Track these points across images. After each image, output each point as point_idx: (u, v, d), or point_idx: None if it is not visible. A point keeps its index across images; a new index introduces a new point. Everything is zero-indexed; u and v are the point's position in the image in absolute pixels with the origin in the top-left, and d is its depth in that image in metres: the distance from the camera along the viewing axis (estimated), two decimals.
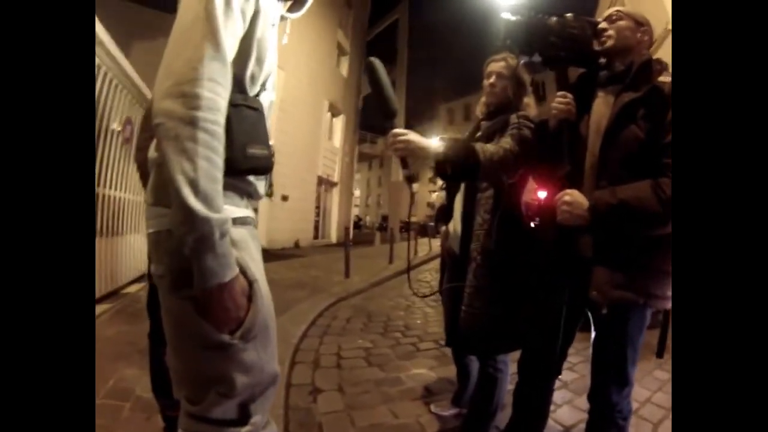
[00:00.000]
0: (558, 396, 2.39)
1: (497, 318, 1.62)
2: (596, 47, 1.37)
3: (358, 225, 32.01)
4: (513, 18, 1.34)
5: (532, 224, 1.51)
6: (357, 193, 36.51)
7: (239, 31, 0.83)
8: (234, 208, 0.88)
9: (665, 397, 2.48)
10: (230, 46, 0.79)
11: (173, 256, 0.79)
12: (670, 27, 5.96)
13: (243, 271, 0.83)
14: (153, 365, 1.75)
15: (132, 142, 4.23)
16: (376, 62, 1.38)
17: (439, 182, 1.97)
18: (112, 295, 4.21)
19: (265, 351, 0.89)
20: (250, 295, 0.85)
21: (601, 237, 1.27)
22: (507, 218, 1.63)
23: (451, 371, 2.59)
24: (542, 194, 1.41)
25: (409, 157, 1.47)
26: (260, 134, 0.90)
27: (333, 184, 17.65)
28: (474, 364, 2.08)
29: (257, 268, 0.90)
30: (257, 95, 0.94)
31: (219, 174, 0.75)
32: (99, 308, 3.67)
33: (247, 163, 0.86)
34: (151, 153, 0.90)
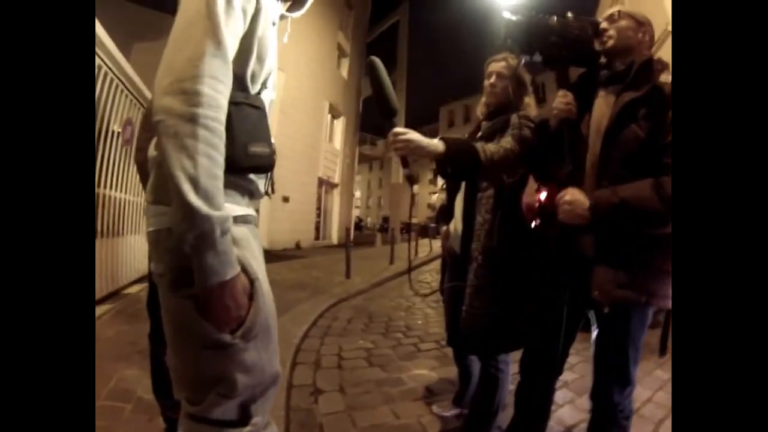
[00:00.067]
0: (559, 396, 2.39)
1: (498, 317, 1.62)
2: (597, 47, 1.37)
3: (358, 226, 32.08)
4: (514, 18, 1.34)
5: (533, 224, 1.51)
6: (357, 194, 36.56)
7: (240, 29, 0.82)
8: (235, 206, 0.88)
9: (666, 397, 2.48)
10: (231, 44, 0.79)
11: (173, 254, 0.78)
12: (670, 28, 5.97)
13: (244, 270, 0.83)
14: (153, 366, 1.75)
15: (132, 143, 4.23)
16: (377, 61, 1.38)
17: (440, 184, 1.98)
18: (113, 295, 4.21)
19: (267, 351, 0.88)
20: (252, 293, 0.84)
21: (602, 236, 1.27)
22: (508, 218, 1.62)
23: (452, 371, 2.59)
24: (543, 196, 1.40)
25: (410, 156, 1.46)
26: (262, 132, 0.90)
27: (334, 186, 17.67)
28: (475, 364, 2.08)
29: (259, 267, 0.89)
30: (258, 94, 0.94)
31: (220, 171, 0.75)
32: (99, 309, 3.68)
33: (248, 161, 0.86)
34: (151, 152, 0.90)
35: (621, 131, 1.24)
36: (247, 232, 0.91)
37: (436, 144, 1.42)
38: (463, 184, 1.84)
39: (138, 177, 4.04)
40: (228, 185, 0.80)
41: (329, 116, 16.73)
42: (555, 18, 1.34)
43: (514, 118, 1.60)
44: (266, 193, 1.03)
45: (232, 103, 0.80)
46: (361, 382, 2.65)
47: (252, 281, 0.85)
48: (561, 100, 1.36)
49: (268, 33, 0.92)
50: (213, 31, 0.75)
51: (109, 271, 4.17)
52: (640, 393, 2.44)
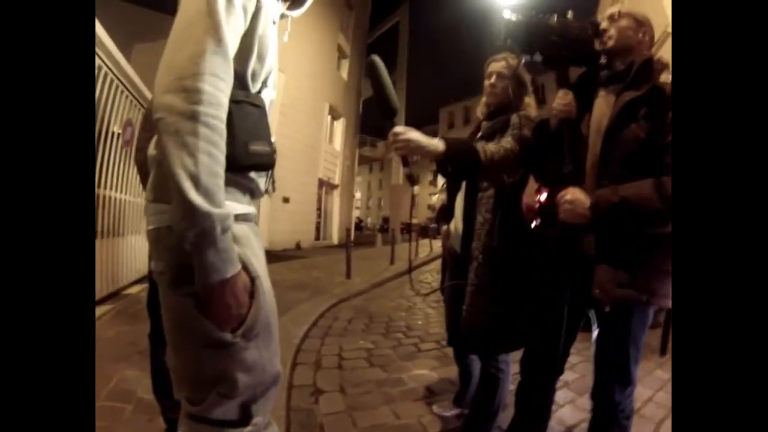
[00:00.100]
0: (560, 396, 2.39)
1: (499, 317, 1.62)
2: (597, 47, 1.37)
3: (359, 226, 32.12)
4: (514, 18, 1.34)
5: (533, 225, 1.51)
6: (358, 195, 36.58)
7: (241, 27, 0.82)
8: (236, 205, 0.88)
9: (666, 397, 2.48)
10: (232, 42, 0.79)
11: (174, 252, 0.78)
12: (669, 30, 5.97)
13: (245, 268, 0.82)
14: (154, 366, 1.75)
15: (132, 144, 4.24)
16: (378, 60, 1.38)
17: (440, 184, 1.98)
18: (113, 296, 4.21)
19: (268, 350, 0.88)
20: (252, 291, 0.84)
21: (602, 235, 1.27)
22: (508, 217, 1.62)
23: (452, 372, 2.59)
24: (543, 197, 1.40)
25: (410, 155, 1.46)
26: (262, 131, 0.90)
27: (334, 187, 17.67)
28: (476, 364, 2.08)
29: (259, 265, 0.88)
30: (258, 92, 0.94)
31: (220, 169, 0.74)
32: (100, 309, 3.68)
33: (249, 159, 0.86)
34: (151, 151, 0.89)
35: (621, 131, 1.24)
36: (248, 230, 0.90)
37: (437, 143, 1.42)
38: (464, 184, 1.84)
39: (138, 178, 4.05)
40: (228, 183, 0.80)
41: (329, 117, 16.73)
42: (555, 18, 1.34)
43: (514, 118, 1.60)
44: (266, 191, 1.02)
45: (233, 101, 0.80)
46: (361, 383, 2.65)
47: (253, 279, 0.84)
48: (561, 99, 1.36)
49: (268, 32, 0.92)
50: (214, 29, 0.75)
51: (109, 272, 4.17)
52: (640, 393, 2.44)
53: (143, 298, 1.94)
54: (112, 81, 4.01)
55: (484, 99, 1.85)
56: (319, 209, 16.12)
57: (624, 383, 1.32)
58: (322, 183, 16.12)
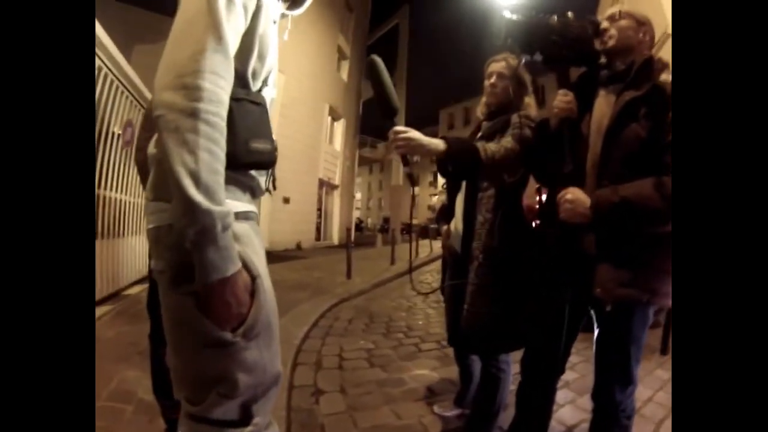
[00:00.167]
0: (560, 396, 2.38)
1: (499, 317, 1.62)
2: (597, 47, 1.37)
3: (359, 227, 32.14)
4: (514, 17, 1.34)
5: (533, 225, 1.51)
6: (358, 196, 36.62)
7: (241, 25, 0.82)
8: (237, 203, 0.88)
9: (667, 397, 2.47)
10: (232, 40, 0.79)
11: (174, 250, 0.77)
12: (669, 31, 5.97)
13: (246, 266, 0.82)
14: (154, 366, 1.75)
15: (132, 145, 4.24)
16: (378, 60, 1.38)
17: (440, 185, 1.98)
18: (113, 296, 4.21)
19: (268, 350, 0.87)
20: (253, 290, 0.83)
21: (603, 235, 1.27)
22: (509, 217, 1.62)
23: (453, 372, 2.58)
24: (544, 197, 1.40)
25: (411, 155, 1.47)
26: (263, 129, 0.89)
27: (334, 187, 17.69)
28: (476, 364, 2.08)
29: (260, 264, 0.88)
30: (259, 91, 0.94)
31: (221, 167, 0.74)
32: (100, 310, 3.68)
33: (249, 157, 0.85)
34: (151, 149, 0.89)
35: (622, 131, 1.24)
36: (249, 228, 0.90)
37: (437, 143, 1.42)
38: (464, 184, 1.84)
39: (138, 178, 4.06)
40: (229, 181, 0.80)
41: (329, 118, 16.74)
42: (555, 17, 1.34)
43: (514, 118, 1.60)
44: (267, 190, 1.02)
45: (233, 99, 0.80)
46: (362, 383, 2.65)
47: (254, 278, 0.84)
48: (561, 99, 1.36)
49: (269, 30, 0.92)
50: (214, 27, 0.74)
51: (109, 272, 4.17)
52: (641, 392, 2.43)
53: (143, 299, 1.93)
54: (112, 82, 4.01)
55: (484, 99, 1.85)
56: (319, 210, 16.14)
57: (625, 383, 1.32)
58: (322, 183, 16.13)
